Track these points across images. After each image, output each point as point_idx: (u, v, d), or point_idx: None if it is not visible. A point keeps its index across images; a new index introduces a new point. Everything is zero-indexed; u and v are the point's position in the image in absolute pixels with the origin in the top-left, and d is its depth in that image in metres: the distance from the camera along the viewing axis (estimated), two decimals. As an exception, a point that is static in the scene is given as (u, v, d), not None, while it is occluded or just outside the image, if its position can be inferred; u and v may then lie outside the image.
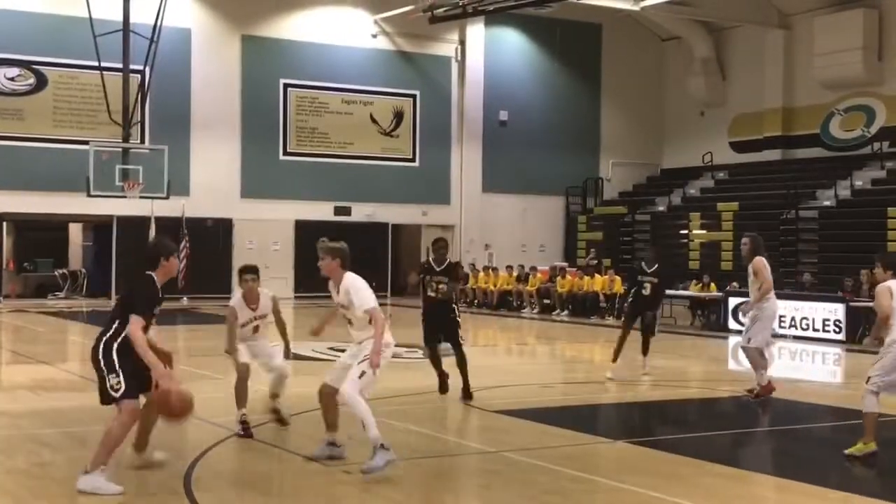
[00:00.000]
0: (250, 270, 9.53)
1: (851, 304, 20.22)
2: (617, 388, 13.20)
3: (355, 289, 7.89)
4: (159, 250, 7.64)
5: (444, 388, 11.59)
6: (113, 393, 7.25)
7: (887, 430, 10.53)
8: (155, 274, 7.49)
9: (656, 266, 14.21)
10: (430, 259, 11.92)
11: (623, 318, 14.56)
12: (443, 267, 11.61)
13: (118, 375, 7.24)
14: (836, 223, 27.67)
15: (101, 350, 7.29)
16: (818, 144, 31.80)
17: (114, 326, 7.34)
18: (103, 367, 7.26)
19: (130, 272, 7.61)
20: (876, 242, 25.46)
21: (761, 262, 12.29)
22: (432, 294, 11.60)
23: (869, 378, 8.81)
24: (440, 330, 11.72)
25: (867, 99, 30.67)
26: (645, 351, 14.01)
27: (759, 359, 12.17)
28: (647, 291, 13.99)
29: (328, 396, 8.10)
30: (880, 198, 27.31)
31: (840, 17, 30.37)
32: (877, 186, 28.56)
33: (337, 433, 8.23)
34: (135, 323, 7.22)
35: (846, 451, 8.81)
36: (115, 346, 7.27)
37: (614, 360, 13.61)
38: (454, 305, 11.78)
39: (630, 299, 14.43)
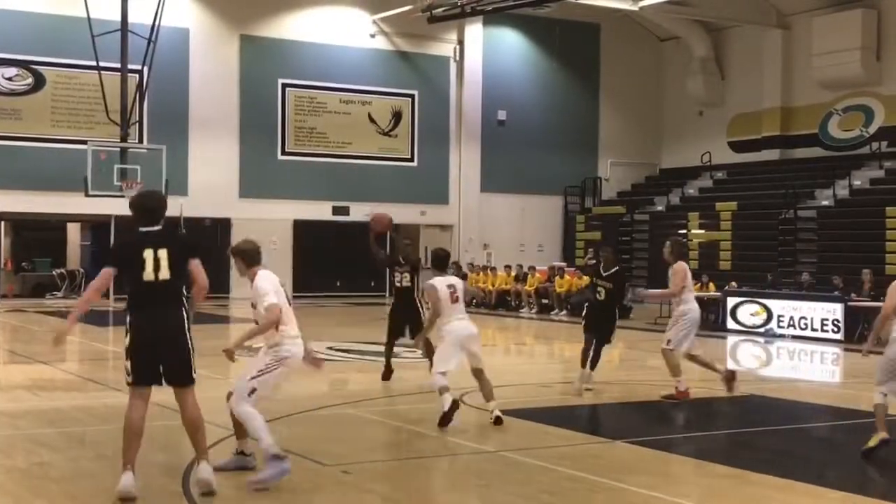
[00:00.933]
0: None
1: (850, 303, 20.22)
2: (614, 388, 13.18)
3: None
4: (165, 200, 7.29)
5: (387, 376, 13.03)
6: (195, 376, 6.96)
7: (890, 430, 10.53)
8: None
9: (615, 269, 12.70)
10: (399, 257, 13.23)
11: (583, 328, 12.77)
12: (408, 262, 13.09)
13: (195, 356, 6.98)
14: (834, 223, 27.67)
15: (187, 328, 6.91)
16: (817, 144, 31.81)
17: (185, 297, 6.94)
18: (192, 347, 6.96)
19: (164, 231, 7.08)
20: (875, 242, 25.50)
21: (679, 267, 12.15)
22: (398, 284, 12.94)
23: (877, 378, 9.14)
24: (406, 322, 12.75)
25: (866, 99, 30.68)
26: (594, 363, 12.59)
27: (677, 363, 12.07)
28: (601, 297, 12.59)
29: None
30: (879, 197, 27.32)
31: (839, 17, 30.39)
32: (875, 186, 28.58)
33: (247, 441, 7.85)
34: (202, 268, 6.98)
35: (864, 448, 8.96)
36: (190, 320, 6.95)
37: (587, 367, 12.47)
38: (418, 302, 12.85)
39: (585, 307, 13.03)
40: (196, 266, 6.98)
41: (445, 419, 9.69)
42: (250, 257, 7.80)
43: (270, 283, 7.65)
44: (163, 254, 6.86)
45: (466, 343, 10.05)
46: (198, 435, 6.98)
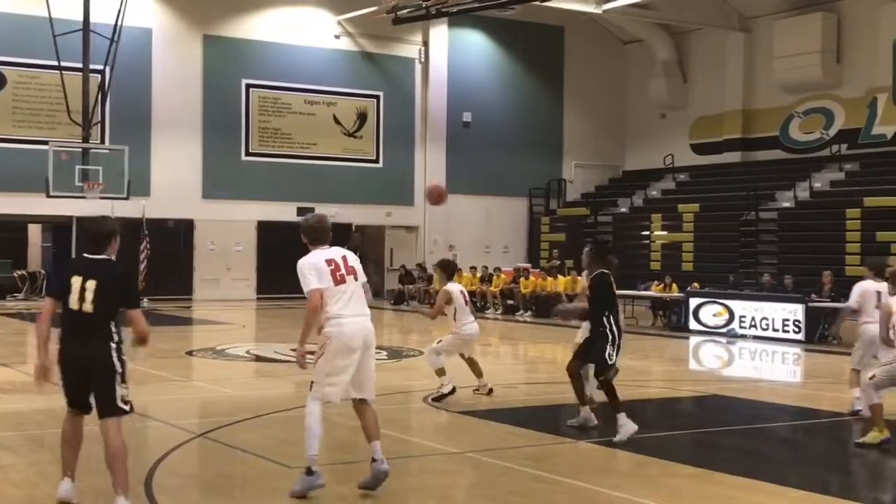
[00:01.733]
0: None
1: (811, 304, 20.42)
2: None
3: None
4: (113, 227, 6.86)
5: None
6: (123, 405, 6.59)
7: (843, 429, 10.67)
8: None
9: (596, 272, 10.09)
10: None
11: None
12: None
13: (127, 386, 6.62)
14: (795, 224, 27.97)
15: (114, 358, 6.54)
16: (777, 146, 32.15)
17: (113, 328, 6.56)
18: (117, 377, 6.56)
19: (91, 263, 6.71)
20: (835, 243, 25.80)
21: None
22: None
23: (874, 375, 9.46)
24: None
25: (826, 101, 31.04)
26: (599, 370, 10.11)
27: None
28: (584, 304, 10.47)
29: (360, 409, 7.59)
30: (839, 199, 27.64)
31: (799, 20, 30.72)
32: (835, 188, 28.90)
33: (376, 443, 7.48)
34: (141, 317, 6.58)
35: (857, 441, 9.35)
36: (123, 351, 6.62)
37: (582, 402, 10.30)
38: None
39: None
40: (134, 316, 6.61)
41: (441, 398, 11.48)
42: (309, 234, 7.54)
43: (309, 265, 7.35)
44: (90, 285, 6.55)
45: (472, 343, 12.14)
46: (114, 466, 6.61)
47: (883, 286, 11.27)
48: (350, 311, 7.33)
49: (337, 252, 7.50)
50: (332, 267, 7.37)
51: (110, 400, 6.56)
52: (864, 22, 29.64)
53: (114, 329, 6.57)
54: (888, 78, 29.35)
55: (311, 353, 7.37)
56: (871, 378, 9.54)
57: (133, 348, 6.82)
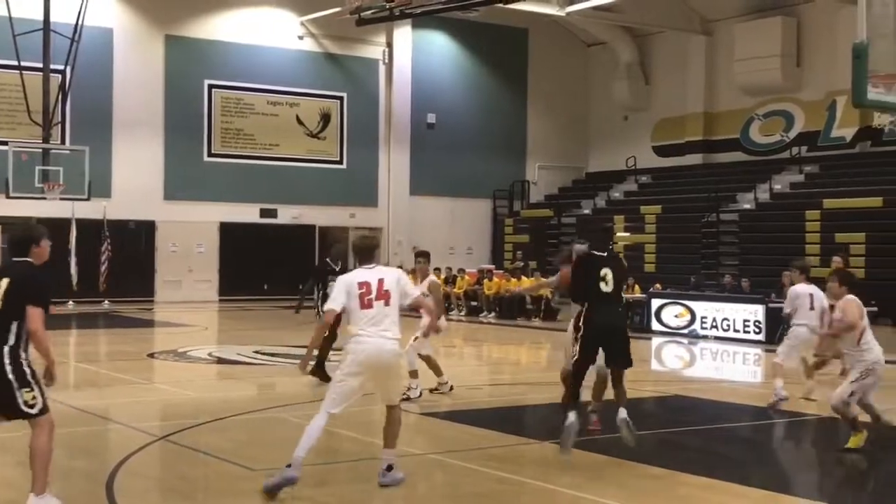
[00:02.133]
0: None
1: (771, 305, 20.60)
2: (544, 389, 13.27)
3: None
4: (32, 234, 6.96)
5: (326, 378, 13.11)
6: (28, 409, 6.57)
7: (806, 429, 10.78)
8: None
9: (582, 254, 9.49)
10: (336, 266, 14.49)
11: None
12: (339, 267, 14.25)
13: (32, 389, 6.58)
14: (756, 225, 28.20)
15: (6, 363, 6.52)
16: (738, 149, 32.42)
17: (13, 330, 6.57)
18: (13, 381, 6.52)
19: (11, 264, 6.88)
20: (795, 245, 26.02)
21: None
22: None
23: (852, 393, 9.14)
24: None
25: (786, 104, 31.34)
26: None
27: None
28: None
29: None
30: (799, 201, 27.91)
31: (759, 24, 31.00)
32: (795, 190, 29.19)
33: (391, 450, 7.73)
34: (40, 317, 6.60)
35: (846, 446, 9.13)
36: (23, 354, 6.60)
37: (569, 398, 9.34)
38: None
39: None
40: (30, 311, 6.61)
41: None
42: (353, 252, 7.84)
43: (343, 284, 7.52)
44: (3, 284, 6.67)
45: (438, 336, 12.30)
46: (34, 465, 6.66)
47: (813, 288, 11.75)
48: (370, 331, 7.43)
49: (376, 274, 7.59)
50: (363, 290, 7.47)
51: (14, 406, 6.59)
52: (824, 25, 29.95)
53: (13, 331, 6.57)
54: (847, 81, 29.19)
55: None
56: (849, 395, 9.14)
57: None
